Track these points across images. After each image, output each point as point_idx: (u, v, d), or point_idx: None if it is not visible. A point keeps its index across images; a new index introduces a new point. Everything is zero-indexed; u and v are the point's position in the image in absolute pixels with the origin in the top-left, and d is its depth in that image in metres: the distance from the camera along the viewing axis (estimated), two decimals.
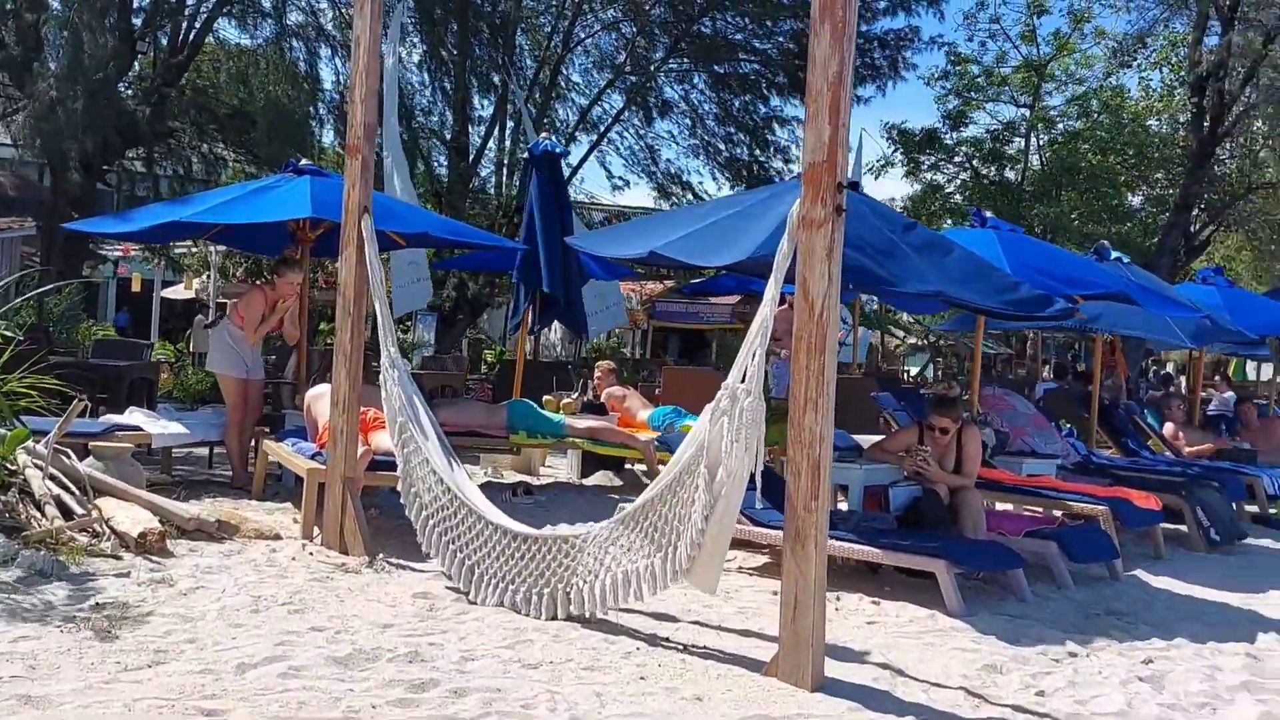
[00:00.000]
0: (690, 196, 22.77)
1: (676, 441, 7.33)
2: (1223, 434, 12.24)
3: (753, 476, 4.67)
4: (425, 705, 4.04)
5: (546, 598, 5.29)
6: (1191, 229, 23.76)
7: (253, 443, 8.67)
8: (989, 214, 8.61)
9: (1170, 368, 31.12)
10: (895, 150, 26.18)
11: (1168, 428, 11.59)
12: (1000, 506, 8.26)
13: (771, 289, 4.58)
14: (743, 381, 4.64)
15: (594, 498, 8.99)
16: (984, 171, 26.82)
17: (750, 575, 6.68)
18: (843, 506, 7.50)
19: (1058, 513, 8.14)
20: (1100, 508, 7.61)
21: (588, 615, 5.21)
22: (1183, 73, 24.09)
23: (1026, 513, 8.37)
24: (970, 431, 7.16)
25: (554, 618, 5.25)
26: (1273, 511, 10.24)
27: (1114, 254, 9.84)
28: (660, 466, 9.41)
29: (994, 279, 6.55)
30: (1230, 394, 16.85)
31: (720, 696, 4.35)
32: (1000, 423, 8.95)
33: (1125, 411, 11.45)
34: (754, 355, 4.61)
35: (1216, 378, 16.90)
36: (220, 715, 3.79)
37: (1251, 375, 27.13)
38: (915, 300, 7.70)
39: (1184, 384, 21.57)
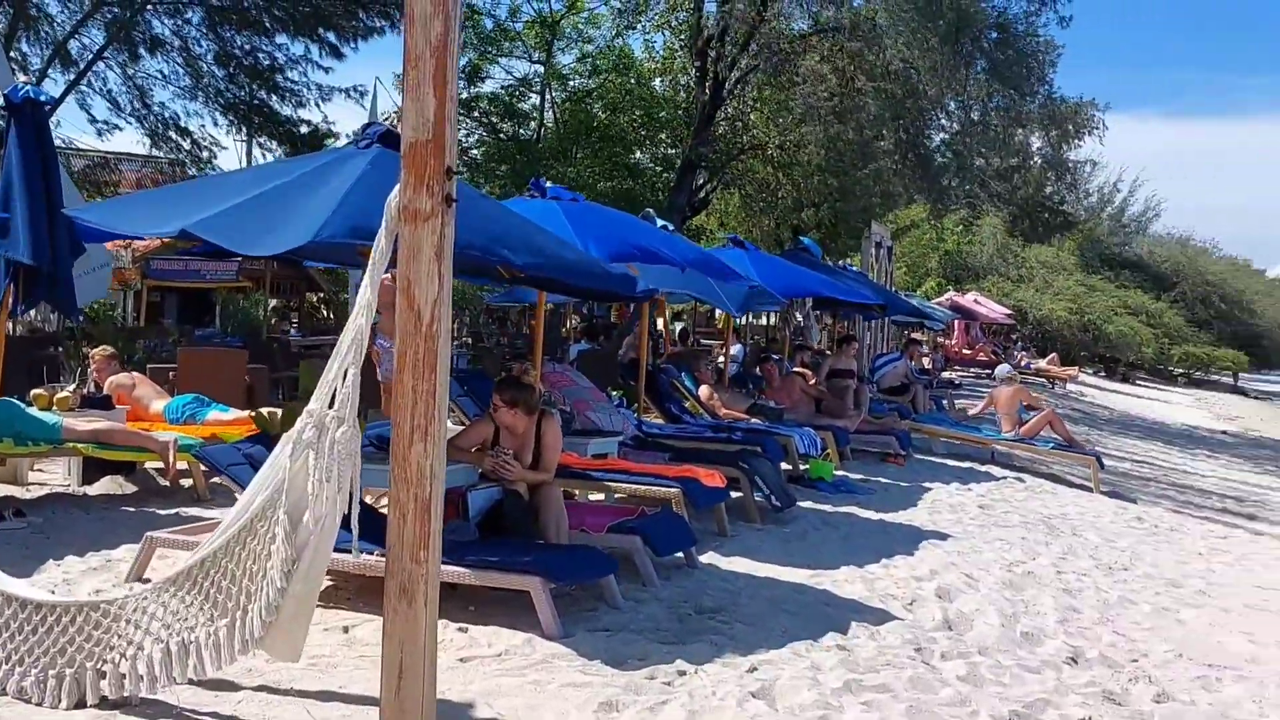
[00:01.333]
0: (190, 143, 20.71)
1: (217, 456, 6.23)
2: (750, 393, 12.70)
3: (347, 517, 3.85)
4: None
5: (70, 680, 4.14)
6: (694, 187, 24.92)
7: None
8: (549, 183, 8.08)
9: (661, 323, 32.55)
10: None
11: (702, 390, 11.80)
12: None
13: (366, 292, 3.76)
14: (332, 407, 3.77)
15: (104, 513, 7.56)
16: (502, 128, 26.61)
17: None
18: None
19: (618, 495, 7.86)
20: (672, 490, 7.40)
21: (128, 698, 4.13)
22: (684, 36, 25.12)
23: (592, 498, 8.03)
24: (550, 420, 6.63)
25: (80, 705, 4.12)
26: (804, 468, 10.67)
27: (660, 222, 9.72)
28: (182, 465, 8.17)
29: (578, 258, 6.03)
30: (737, 347, 17.72)
31: None
32: (564, 400, 8.55)
33: (666, 375, 11.52)
34: (345, 374, 3.76)
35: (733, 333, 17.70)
36: None
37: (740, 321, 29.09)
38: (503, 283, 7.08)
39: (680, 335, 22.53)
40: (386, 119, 22.73)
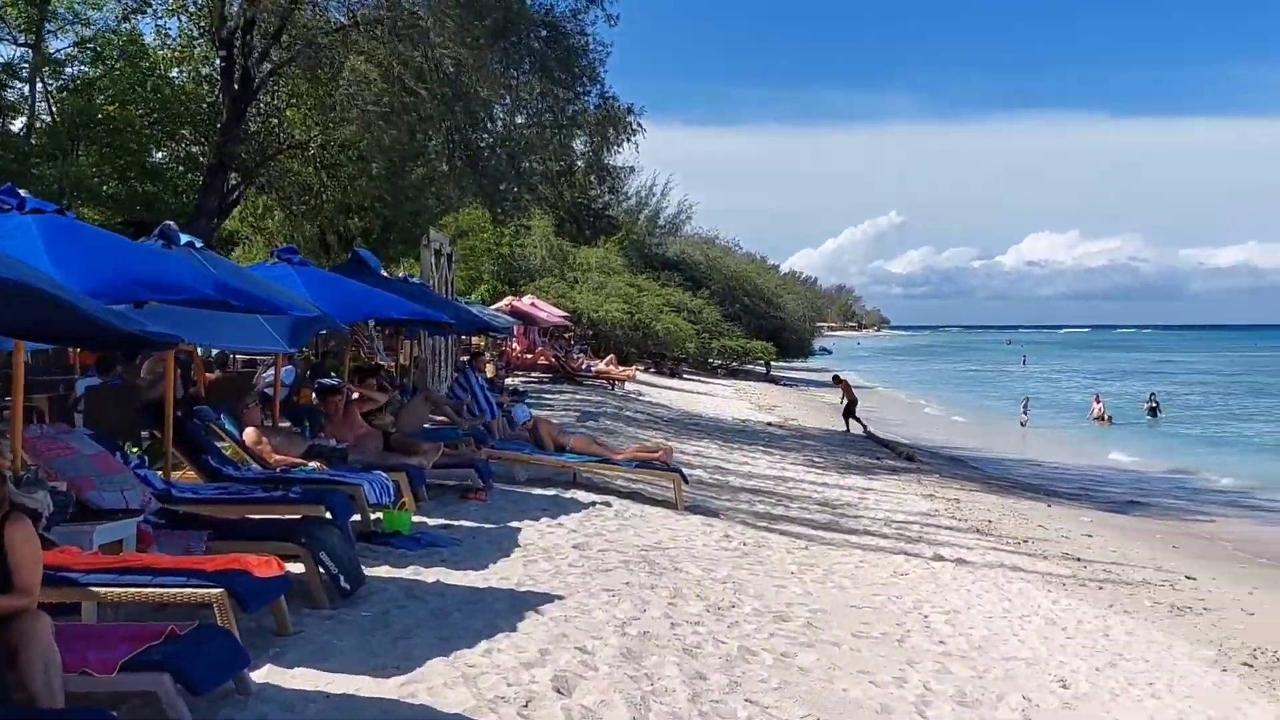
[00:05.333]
0: None
1: None
2: (306, 430, 11.00)
3: None
4: None
5: None
6: (225, 188, 22.50)
7: None
8: (25, 192, 6.03)
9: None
10: None
11: (248, 433, 9.95)
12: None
13: None
14: None
15: None
16: None
17: None
18: None
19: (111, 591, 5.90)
20: (213, 592, 5.65)
21: None
22: (204, 23, 22.61)
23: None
24: (16, 524, 4.67)
25: None
26: (376, 517, 9.19)
27: (185, 238, 7.91)
28: None
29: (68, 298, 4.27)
30: (287, 368, 15.69)
31: None
32: (56, 477, 6.47)
33: (201, 419, 9.58)
34: None
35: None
36: None
37: None
38: None
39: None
40: None
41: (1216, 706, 7.65)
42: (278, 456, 9.87)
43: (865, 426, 28.39)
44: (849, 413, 28.76)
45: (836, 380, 32.39)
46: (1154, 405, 41.64)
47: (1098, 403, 40.50)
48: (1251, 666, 9.04)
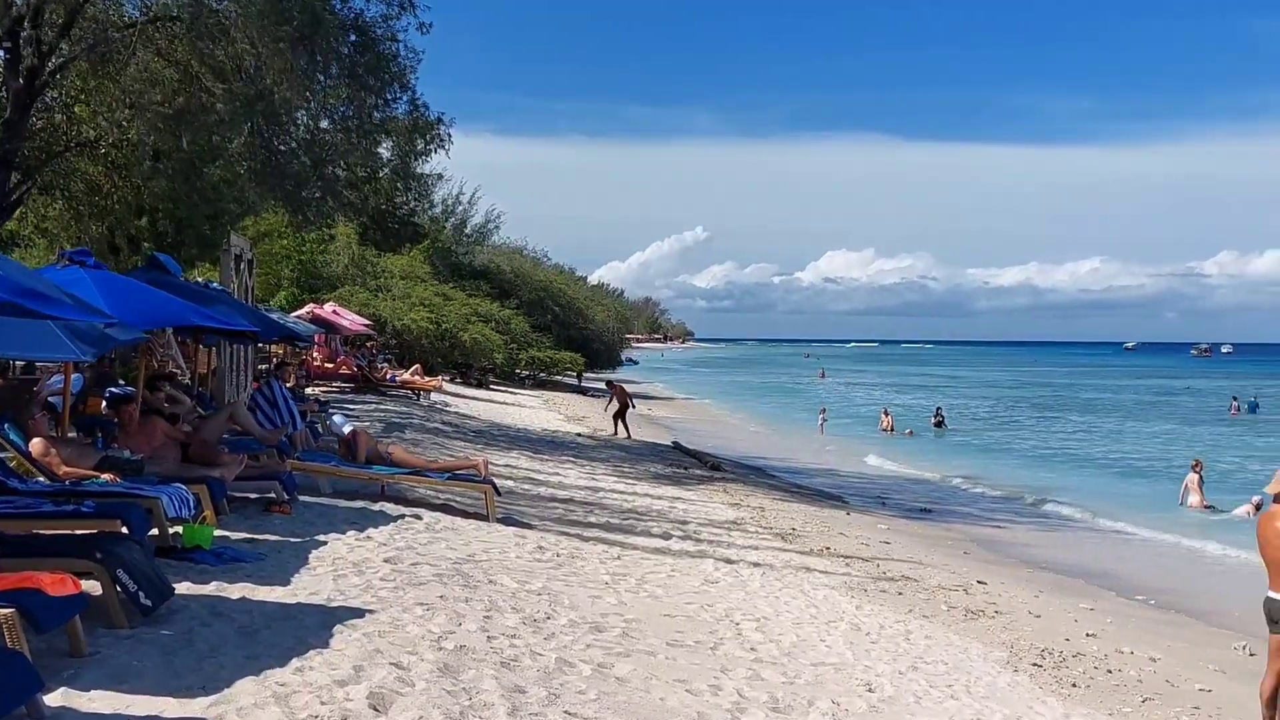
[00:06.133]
0: None
1: None
2: (99, 441, 10.44)
3: None
4: None
5: None
6: (7, 187, 21.19)
7: None
8: None
9: None
10: None
11: (35, 444, 9.39)
12: None
13: None
14: None
15: None
16: None
17: None
18: None
19: None
20: (3, 610, 5.31)
21: None
22: None
23: None
24: None
25: None
26: (175, 531, 8.79)
27: None
28: None
29: None
30: (59, 378, 14.77)
31: None
32: None
33: None
34: None
35: None
36: None
37: None
38: None
39: None
40: None
41: (1011, 705, 8.04)
42: (67, 469, 9.33)
43: (629, 431, 29.87)
44: (620, 415, 30.30)
45: (610, 385, 34.17)
46: (940, 419, 43.73)
47: (886, 415, 42.22)
48: (1041, 666, 9.56)
